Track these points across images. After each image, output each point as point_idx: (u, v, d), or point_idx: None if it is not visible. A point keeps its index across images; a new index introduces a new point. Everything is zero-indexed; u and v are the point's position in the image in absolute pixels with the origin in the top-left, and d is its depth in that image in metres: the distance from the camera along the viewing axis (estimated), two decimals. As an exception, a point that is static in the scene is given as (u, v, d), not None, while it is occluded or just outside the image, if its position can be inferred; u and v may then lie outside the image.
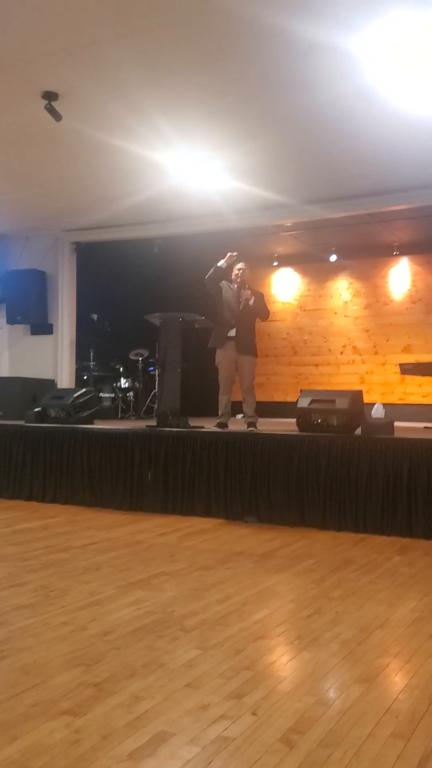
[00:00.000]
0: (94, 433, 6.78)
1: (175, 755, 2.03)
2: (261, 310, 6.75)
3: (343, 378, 11.32)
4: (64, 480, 6.79)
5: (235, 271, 6.72)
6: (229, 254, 6.60)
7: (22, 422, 7.33)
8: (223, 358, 6.64)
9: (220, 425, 6.51)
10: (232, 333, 6.59)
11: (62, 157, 6.53)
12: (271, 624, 3.27)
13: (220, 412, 6.64)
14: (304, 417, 6.07)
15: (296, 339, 11.88)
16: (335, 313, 11.58)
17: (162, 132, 5.77)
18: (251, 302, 6.57)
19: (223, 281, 6.75)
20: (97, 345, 10.13)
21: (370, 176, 6.91)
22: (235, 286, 6.69)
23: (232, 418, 6.87)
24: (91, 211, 8.31)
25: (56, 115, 5.23)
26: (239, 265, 6.75)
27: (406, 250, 10.71)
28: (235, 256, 6.62)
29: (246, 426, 6.56)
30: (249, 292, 6.61)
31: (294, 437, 5.87)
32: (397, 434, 5.76)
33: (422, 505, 5.32)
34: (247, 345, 6.64)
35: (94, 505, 6.55)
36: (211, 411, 6.87)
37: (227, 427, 6.56)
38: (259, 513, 5.86)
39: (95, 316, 10.11)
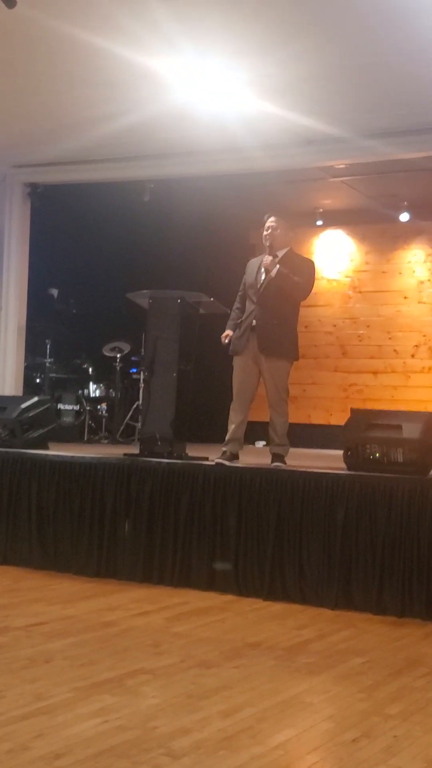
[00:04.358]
0: (49, 461, 6.81)
1: None
2: (291, 283, 6.47)
3: (414, 393, 11.34)
4: (2, 529, 6.82)
5: (264, 231, 6.66)
6: None
7: None
8: (239, 360, 6.62)
9: (225, 456, 6.51)
10: (253, 323, 6.51)
11: (14, 60, 6.58)
12: (298, 751, 3.27)
13: (226, 438, 6.67)
14: (355, 449, 6.06)
15: (347, 333, 11.91)
16: (405, 298, 11.61)
17: (162, 29, 5.80)
18: (273, 273, 6.40)
19: (252, 259, 6.74)
20: (57, 334, 10.19)
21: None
22: (266, 256, 6.57)
23: (252, 446, 6.85)
24: (54, 140, 8.35)
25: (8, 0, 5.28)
26: (269, 221, 6.68)
27: None
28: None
29: (270, 460, 6.57)
30: (270, 258, 6.46)
31: (340, 478, 5.88)
32: None
33: None
34: (275, 340, 6.49)
35: (45, 567, 6.57)
36: (219, 435, 6.89)
37: (237, 458, 6.56)
38: (286, 588, 5.87)
39: (55, 292, 10.18)
